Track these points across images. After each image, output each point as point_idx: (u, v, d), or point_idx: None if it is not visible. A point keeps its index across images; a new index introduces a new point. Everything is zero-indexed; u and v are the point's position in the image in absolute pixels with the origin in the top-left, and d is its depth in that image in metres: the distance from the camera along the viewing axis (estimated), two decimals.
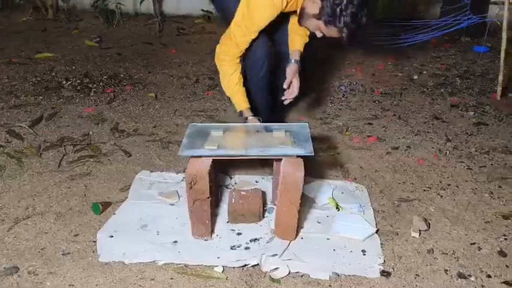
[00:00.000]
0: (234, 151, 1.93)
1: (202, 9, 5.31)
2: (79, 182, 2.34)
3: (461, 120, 3.02)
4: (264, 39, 2.34)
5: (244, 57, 2.37)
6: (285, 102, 2.52)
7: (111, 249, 1.87)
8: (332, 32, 2.16)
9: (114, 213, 2.10)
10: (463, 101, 3.30)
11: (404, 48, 4.29)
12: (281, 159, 1.90)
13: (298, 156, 1.89)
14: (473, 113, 3.11)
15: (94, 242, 1.92)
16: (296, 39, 2.51)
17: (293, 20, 2.48)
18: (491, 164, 2.52)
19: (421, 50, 4.33)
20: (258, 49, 2.34)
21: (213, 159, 1.89)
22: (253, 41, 2.31)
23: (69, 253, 1.86)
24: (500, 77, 3.28)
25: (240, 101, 2.39)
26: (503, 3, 4.73)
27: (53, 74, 3.72)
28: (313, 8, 2.15)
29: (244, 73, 2.42)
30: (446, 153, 2.62)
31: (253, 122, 2.29)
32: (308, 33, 2.47)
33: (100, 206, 2.11)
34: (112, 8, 5.21)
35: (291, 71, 2.46)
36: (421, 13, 5.07)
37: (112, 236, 1.95)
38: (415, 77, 3.74)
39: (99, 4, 5.19)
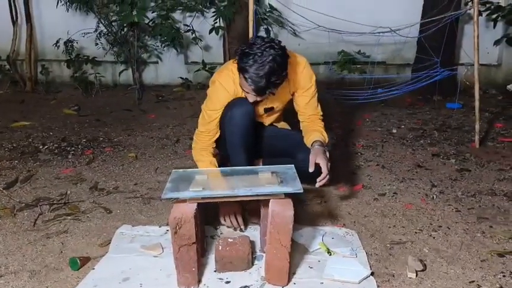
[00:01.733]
0: (221, 192, 1.87)
1: (180, 77, 5.40)
2: (55, 239, 2.21)
3: (444, 168, 3.03)
4: (243, 100, 2.29)
5: (223, 123, 2.33)
6: (317, 185, 2.23)
7: None
8: (242, 81, 2.14)
9: (93, 268, 1.97)
10: (444, 150, 3.33)
11: (381, 107, 4.41)
12: (268, 202, 1.84)
13: (286, 197, 1.83)
14: (454, 160, 3.13)
15: None
16: (312, 135, 2.36)
17: (303, 123, 2.48)
18: (479, 206, 2.49)
19: (397, 108, 4.44)
20: (233, 109, 2.29)
21: (199, 203, 1.82)
22: (231, 104, 2.31)
23: None
24: (477, 126, 3.35)
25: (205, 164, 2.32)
26: (470, 64, 4.98)
27: (30, 140, 3.66)
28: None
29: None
30: (433, 197, 2.59)
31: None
32: (325, 132, 2.40)
33: (78, 260, 1.98)
34: (91, 80, 5.26)
35: (313, 153, 2.24)
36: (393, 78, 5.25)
37: None
38: (394, 130, 3.80)
39: (78, 75, 5.24)
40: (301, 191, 1.81)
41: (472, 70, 4.98)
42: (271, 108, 2.45)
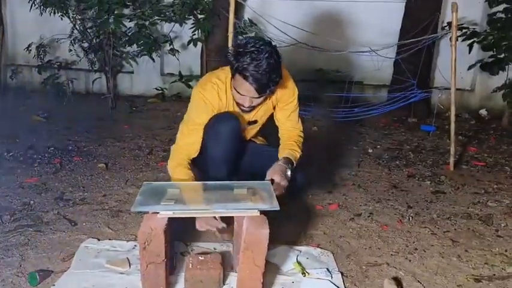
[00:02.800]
0: (194, 207, 1.78)
1: (156, 88, 5.30)
2: (14, 252, 2.08)
3: (419, 189, 3.01)
4: (228, 115, 2.22)
5: (208, 137, 2.22)
6: None
7: None
8: (239, 82, 2.07)
9: (53, 285, 1.85)
10: (419, 172, 3.32)
11: (357, 127, 4.41)
12: (242, 219, 1.77)
13: (261, 214, 1.76)
14: (429, 182, 3.12)
15: None
16: (285, 152, 2.28)
17: (282, 141, 2.39)
18: (455, 229, 2.47)
19: (372, 128, 4.45)
20: (219, 124, 2.19)
21: (169, 218, 1.73)
22: (217, 118, 2.22)
23: None
24: (452, 149, 3.36)
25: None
26: (445, 88, 5.04)
27: None
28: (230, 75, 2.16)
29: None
30: (409, 218, 2.56)
31: None
32: (299, 151, 2.33)
33: (37, 275, 1.86)
34: (62, 83, 5.07)
35: (272, 169, 2.15)
36: (368, 98, 5.27)
37: None
38: (370, 150, 3.78)
39: (50, 82, 5.07)
40: (278, 208, 1.75)
41: (446, 94, 5.09)
42: (255, 121, 2.37)
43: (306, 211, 2.60)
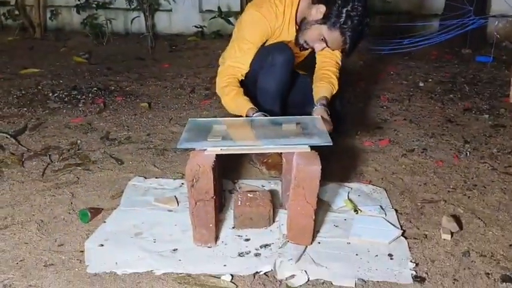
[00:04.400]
0: (241, 143, 1.71)
1: (195, 26, 5.16)
2: (65, 190, 2.10)
3: (476, 123, 2.83)
4: (283, 46, 2.14)
5: (261, 68, 2.14)
6: None
7: (101, 259, 1.62)
8: (334, 36, 2.01)
9: (105, 221, 1.85)
10: (475, 105, 3.13)
11: (405, 60, 4.18)
12: (292, 156, 1.69)
13: (312, 149, 1.68)
14: (488, 115, 2.93)
15: (81, 252, 1.67)
16: (321, 87, 2.18)
17: (318, 67, 2.29)
18: None
19: (422, 61, 4.19)
20: (275, 54, 2.11)
21: (217, 155, 1.67)
22: (272, 48, 2.13)
23: (52, 264, 1.61)
24: None
25: (242, 104, 2.10)
26: (502, 15, 4.68)
27: (39, 87, 3.51)
28: (317, 14, 2.03)
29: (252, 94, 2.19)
30: (466, 154, 2.41)
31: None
32: (336, 82, 2.22)
33: (89, 213, 1.86)
34: (101, 23, 5.01)
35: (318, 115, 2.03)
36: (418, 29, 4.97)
37: (102, 245, 1.70)
38: (421, 84, 3.57)
39: (89, 22, 5.02)
40: (331, 143, 1.65)
41: (503, 22, 4.73)
42: (307, 47, 2.25)
43: (354, 148, 2.50)
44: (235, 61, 2.16)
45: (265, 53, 2.11)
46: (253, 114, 2.02)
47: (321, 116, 1.97)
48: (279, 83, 2.10)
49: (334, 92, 2.20)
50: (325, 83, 2.19)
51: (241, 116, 2.07)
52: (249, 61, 2.14)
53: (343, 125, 2.35)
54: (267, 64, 2.08)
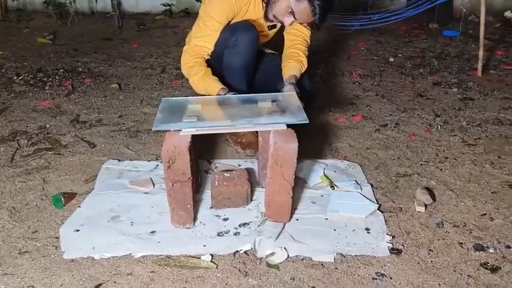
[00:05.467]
0: (217, 123, 1.69)
1: (162, 4, 5.05)
2: (36, 175, 2.04)
3: (446, 97, 2.88)
4: (247, 25, 2.10)
5: (225, 47, 2.11)
6: None
7: (77, 245, 1.60)
8: (303, 7, 1.99)
9: (79, 206, 1.82)
10: (445, 79, 3.18)
11: (375, 35, 4.20)
12: (268, 134, 1.68)
13: (289, 127, 1.67)
14: (457, 89, 2.99)
15: (56, 238, 1.64)
16: (290, 66, 2.16)
17: (286, 45, 2.25)
18: (486, 136, 2.37)
19: (392, 36, 4.23)
20: (238, 34, 2.07)
21: (193, 135, 1.65)
22: (236, 27, 2.10)
23: (27, 252, 1.57)
24: (481, 53, 3.17)
25: (212, 85, 2.06)
26: None
27: (3, 70, 3.37)
28: None
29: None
30: (437, 127, 2.46)
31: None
32: (305, 61, 2.19)
33: (62, 198, 1.82)
34: (64, 2, 4.83)
35: (288, 90, 2.03)
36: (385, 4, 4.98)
37: (78, 230, 1.67)
38: (391, 59, 3.60)
39: (52, 1, 4.83)
40: (307, 121, 1.65)
41: None
42: (275, 26, 2.22)
43: (328, 124, 2.51)
44: (201, 40, 2.12)
45: (229, 32, 2.08)
46: (224, 94, 1.99)
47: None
48: (244, 63, 2.08)
49: (303, 70, 2.18)
50: (294, 61, 2.17)
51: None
52: (215, 40, 2.11)
53: (314, 101, 2.35)
54: (231, 44, 2.06)
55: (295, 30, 2.21)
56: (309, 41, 2.26)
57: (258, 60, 2.26)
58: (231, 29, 2.07)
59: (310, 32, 2.24)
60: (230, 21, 2.14)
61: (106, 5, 4.95)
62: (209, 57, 2.15)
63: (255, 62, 2.20)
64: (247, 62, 2.10)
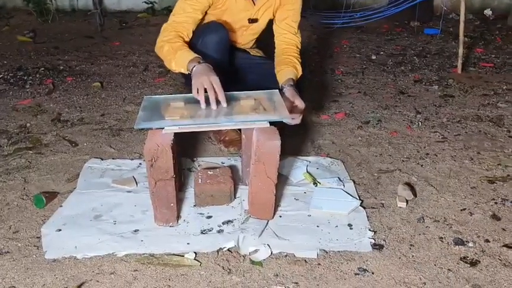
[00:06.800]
0: (200, 121, 1.69)
1: (145, 1, 5.01)
2: (16, 175, 2.02)
3: (427, 94, 2.92)
4: (216, 25, 2.08)
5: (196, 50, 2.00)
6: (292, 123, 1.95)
7: (59, 244, 1.59)
8: None
9: (61, 206, 1.80)
10: (425, 76, 3.21)
11: (358, 33, 4.23)
12: (251, 131, 1.69)
13: (271, 125, 1.68)
14: (437, 86, 3.02)
15: (38, 238, 1.63)
16: (286, 70, 2.09)
17: (279, 52, 2.20)
18: (466, 132, 2.41)
19: (374, 34, 4.27)
20: (206, 35, 2.04)
21: (175, 133, 1.65)
22: (204, 28, 2.07)
23: (8, 252, 1.56)
24: (460, 51, 3.22)
25: (184, 55, 1.90)
26: None
27: None
28: None
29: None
30: (418, 124, 2.49)
31: (206, 68, 1.82)
32: (299, 68, 2.12)
33: (43, 198, 1.81)
34: (44, 0, 4.76)
35: (290, 95, 1.96)
36: (368, 3, 5.02)
37: (60, 230, 1.66)
38: (374, 57, 3.64)
39: None
40: (289, 118, 1.66)
41: None
42: (255, 20, 2.20)
43: (311, 121, 2.53)
44: (181, 16, 2.05)
45: (197, 36, 2.04)
46: (199, 63, 1.85)
47: (293, 96, 1.94)
48: (215, 63, 1.92)
49: (298, 76, 2.12)
50: (289, 67, 2.11)
51: (185, 75, 1.95)
52: (195, 21, 2.05)
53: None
54: (199, 46, 2.01)
55: (288, 39, 2.19)
56: (300, 47, 2.22)
57: (247, 62, 2.25)
58: (200, 31, 2.05)
59: (301, 39, 2.22)
60: (211, 5, 2.10)
61: (87, 2, 4.90)
62: (188, 40, 2.05)
63: (229, 60, 2.17)
64: (217, 63, 1.99)
